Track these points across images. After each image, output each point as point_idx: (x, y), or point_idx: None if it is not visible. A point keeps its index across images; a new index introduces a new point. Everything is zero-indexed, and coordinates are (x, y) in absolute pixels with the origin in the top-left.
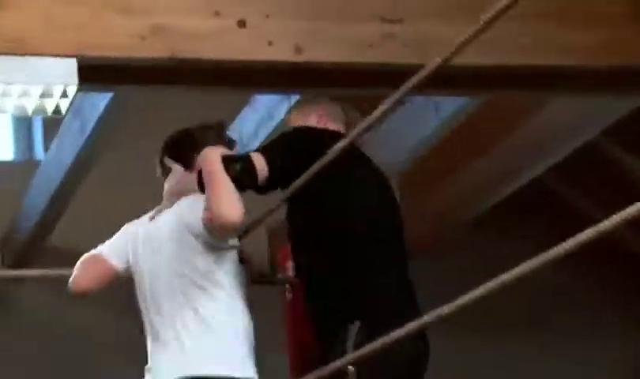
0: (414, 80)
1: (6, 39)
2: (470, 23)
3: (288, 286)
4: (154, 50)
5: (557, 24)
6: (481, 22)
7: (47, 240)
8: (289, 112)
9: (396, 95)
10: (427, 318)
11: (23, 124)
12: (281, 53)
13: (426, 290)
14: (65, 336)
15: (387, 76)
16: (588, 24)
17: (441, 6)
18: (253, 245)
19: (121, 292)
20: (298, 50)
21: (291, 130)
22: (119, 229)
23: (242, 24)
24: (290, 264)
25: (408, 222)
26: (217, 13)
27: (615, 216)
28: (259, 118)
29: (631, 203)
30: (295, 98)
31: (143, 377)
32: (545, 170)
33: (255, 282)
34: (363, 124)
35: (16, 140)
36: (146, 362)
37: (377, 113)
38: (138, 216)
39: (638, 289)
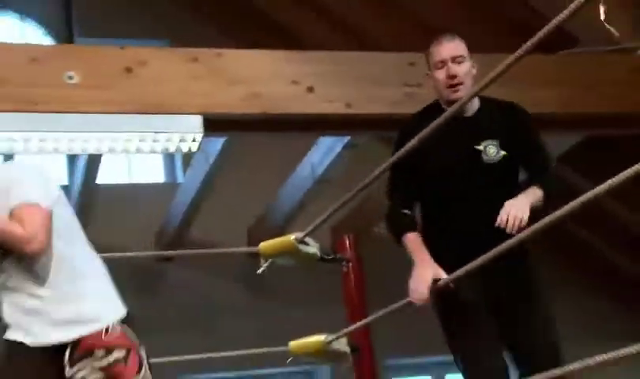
0: (437, 121)
1: (142, 101)
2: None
3: (344, 263)
4: (253, 108)
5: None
6: (483, 83)
7: (187, 234)
8: None
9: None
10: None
11: (169, 157)
12: (336, 107)
13: None
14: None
15: None
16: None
17: None
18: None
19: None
20: (349, 105)
21: None
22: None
23: (311, 88)
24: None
25: None
26: (295, 81)
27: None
28: (322, 154)
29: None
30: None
31: None
32: None
33: (324, 261)
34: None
35: (165, 168)
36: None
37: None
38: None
39: None
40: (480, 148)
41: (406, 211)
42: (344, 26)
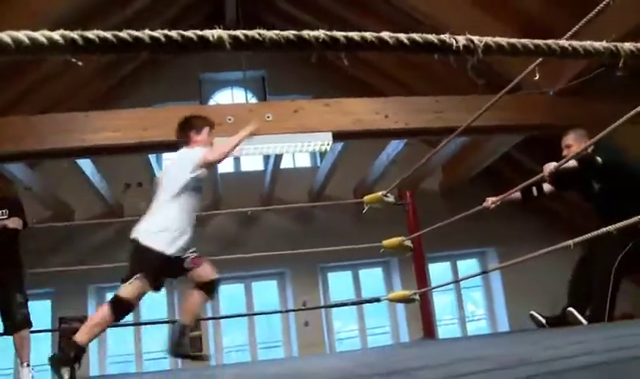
0: (460, 129)
1: (301, 126)
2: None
3: (406, 205)
4: (357, 127)
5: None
6: (476, 114)
7: (323, 192)
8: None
9: (450, 136)
10: None
11: (313, 154)
12: (399, 125)
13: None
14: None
15: (437, 132)
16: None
17: (455, 106)
18: None
19: None
20: (407, 124)
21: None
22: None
23: (386, 116)
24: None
25: (449, 175)
26: (377, 113)
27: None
28: (392, 149)
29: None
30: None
31: None
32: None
33: (396, 205)
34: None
35: (311, 159)
36: None
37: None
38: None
39: None
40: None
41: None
42: (400, 82)
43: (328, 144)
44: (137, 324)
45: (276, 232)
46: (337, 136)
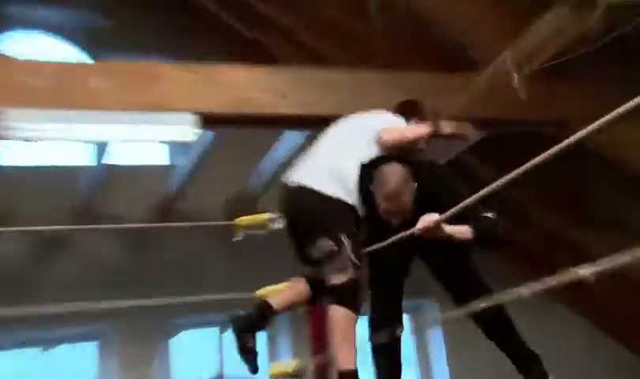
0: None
1: (154, 103)
2: None
3: None
4: (237, 109)
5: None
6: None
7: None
8: None
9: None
10: None
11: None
12: (300, 109)
13: None
14: None
15: None
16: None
17: (378, 83)
18: None
19: None
20: (311, 107)
21: None
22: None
23: (284, 96)
24: None
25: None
26: (272, 90)
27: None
28: (288, 145)
29: None
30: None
31: None
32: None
33: None
34: None
35: (168, 154)
36: None
37: None
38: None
39: None
40: None
41: None
42: (306, 46)
43: (193, 133)
44: None
45: (98, 266)
46: (208, 121)
